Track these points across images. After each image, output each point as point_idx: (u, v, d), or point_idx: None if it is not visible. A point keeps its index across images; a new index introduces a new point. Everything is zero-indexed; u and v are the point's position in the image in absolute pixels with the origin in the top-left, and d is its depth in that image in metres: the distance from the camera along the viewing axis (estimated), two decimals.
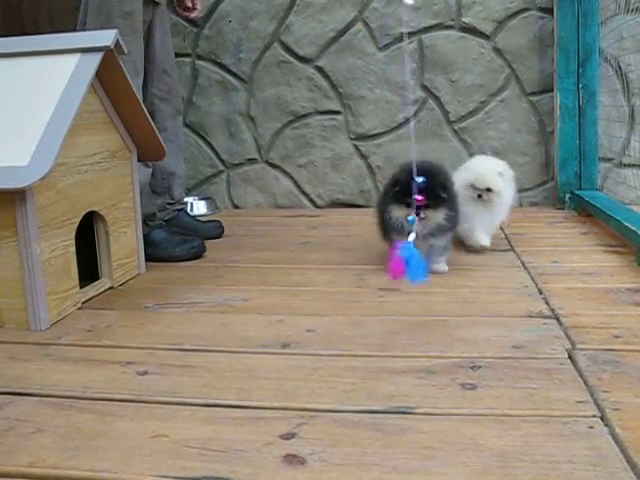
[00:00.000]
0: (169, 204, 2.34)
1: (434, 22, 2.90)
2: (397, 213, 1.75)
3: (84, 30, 1.98)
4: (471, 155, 2.93)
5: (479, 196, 1.97)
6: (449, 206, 1.74)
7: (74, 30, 2.04)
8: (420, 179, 1.61)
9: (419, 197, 1.63)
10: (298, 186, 3.13)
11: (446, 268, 1.84)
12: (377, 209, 1.90)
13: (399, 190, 1.72)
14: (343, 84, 3.02)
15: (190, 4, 2.33)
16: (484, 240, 2.01)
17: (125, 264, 1.85)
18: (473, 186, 1.97)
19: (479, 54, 2.89)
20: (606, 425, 0.93)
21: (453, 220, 1.78)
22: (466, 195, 1.96)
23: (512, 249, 2.07)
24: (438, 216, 1.73)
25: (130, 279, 1.88)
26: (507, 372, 1.13)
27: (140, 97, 2.01)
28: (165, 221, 2.26)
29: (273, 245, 2.28)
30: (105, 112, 1.76)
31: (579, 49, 2.70)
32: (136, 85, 1.99)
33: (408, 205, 1.68)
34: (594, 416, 0.96)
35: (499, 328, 1.35)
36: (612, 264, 1.85)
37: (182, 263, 2.07)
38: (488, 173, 1.98)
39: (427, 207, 1.70)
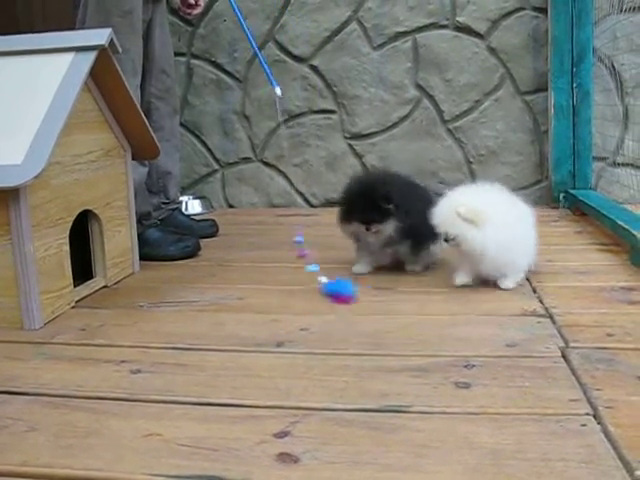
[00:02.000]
0: (164, 203, 2.34)
1: (428, 21, 2.90)
2: (348, 229, 1.79)
3: (83, 29, 1.98)
4: (466, 155, 2.94)
5: (446, 241, 1.62)
6: (399, 218, 1.70)
7: (70, 30, 2.04)
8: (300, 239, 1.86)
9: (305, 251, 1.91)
10: (293, 185, 3.13)
11: (416, 268, 1.82)
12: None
13: (344, 208, 1.78)
14: (338, 83, 3.02)
15: (193, 0, 2.32)
16: (458, 279, 1.67)
17: (119, 263, 1.85)
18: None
19: (473, 53, 2.89)
20: (599, 423, 0.93)
21: (408, 231, 1.71)
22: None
23: None
24: (387, 229, 1.71)
25: (124, 278, 1.87)
26: (501, 371, 1.13)
27: (137, 96, 2.01)
28: (159, 220, 2.26)
29: (267, 244, 2.28)
30: (99, 111, 1.76)
31: (573, 48, 2.70)
32: (134, 84, 1.99)
33: (358, 221, 1.74)
34: (587, 414, 0.96)
35: (493, 327, 1.36)
36: (606, 263, 1.85)
37: (176, 262, 2.07)
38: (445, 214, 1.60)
39: (374, 222, 1.71)
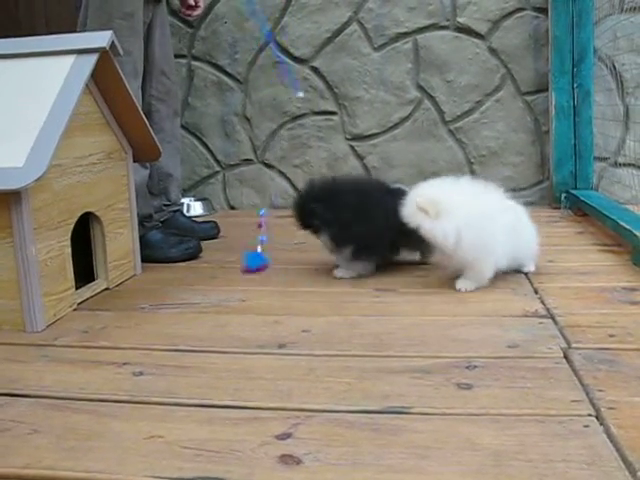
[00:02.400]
0: (165, 205, 2.34)
1: (429, 22, 2.90)
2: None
3: (84, 31, 1.98)
4: (467, 156, 2.95)
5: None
6: (331, 230, 1.74)
7: (71, 33, 2.04)
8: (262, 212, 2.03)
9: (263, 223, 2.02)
10: (294, 186, 3.13)
11: (339, 274, 1.81)
12: None
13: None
14: (339, 84, 3.02)
15: (193, 2, 2.32)
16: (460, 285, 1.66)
17: (121, 265, 1.85)
18: None
19: (474, 54, 2.89)
20: (601, 424, 0.93)
21: (345, 239, 1.76)
22: None
23: None
24: (325, 239, 1.78)
25: (126, 280, 1.87)
26: (502, 372, 1.13)
27: (139, 98, 2.01)
28: (161, 222, 2.26)
29: (269, 246, 2.28)
30: (100, 113, 1.76)
31: (574, 49, 2.70)
32: (135, 86, 1.99)
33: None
34: (589, 415, 0.96)
35: (494, 328, 1.36)
36: (607, 263, 1.85)
37: (178, 264, 2.07)
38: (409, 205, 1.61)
39: (314, 232, 1.80)
